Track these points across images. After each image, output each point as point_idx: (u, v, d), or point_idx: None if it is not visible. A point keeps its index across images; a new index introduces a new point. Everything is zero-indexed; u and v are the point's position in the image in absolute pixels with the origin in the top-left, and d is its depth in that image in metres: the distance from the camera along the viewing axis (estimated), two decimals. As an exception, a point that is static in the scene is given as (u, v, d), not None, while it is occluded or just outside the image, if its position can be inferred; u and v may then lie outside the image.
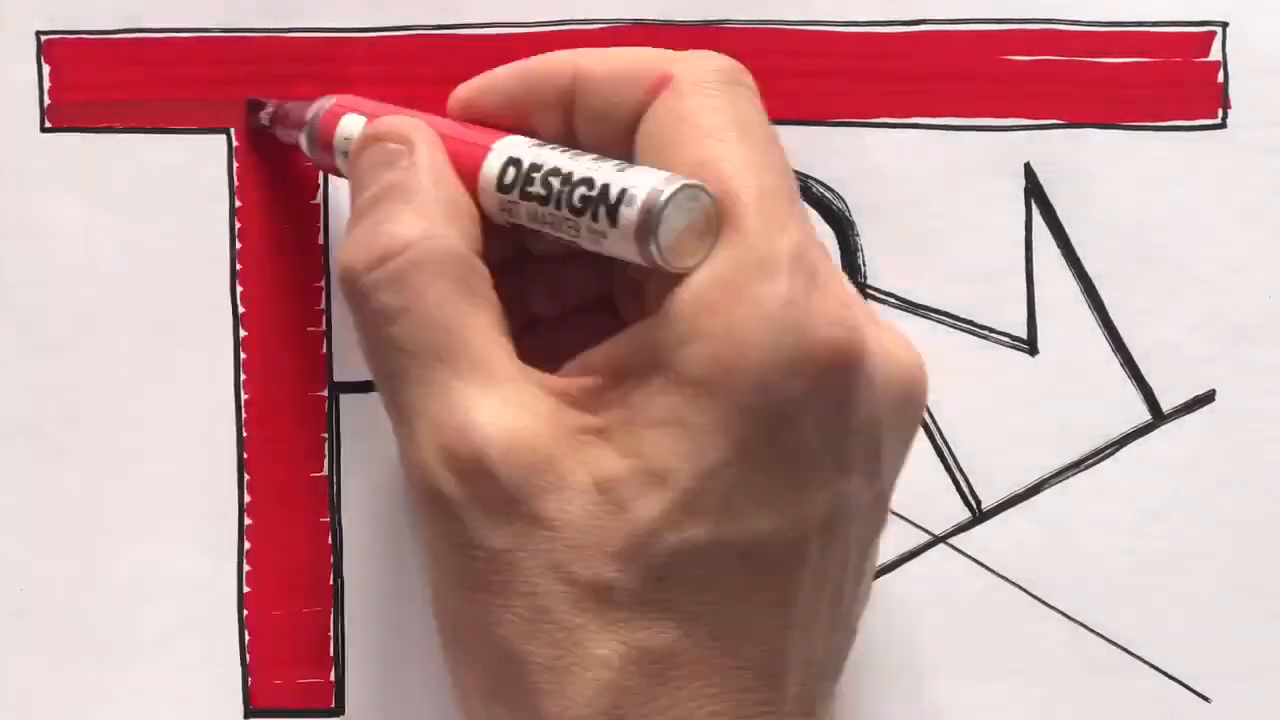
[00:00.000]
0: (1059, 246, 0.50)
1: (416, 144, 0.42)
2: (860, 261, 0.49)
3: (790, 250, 0.38)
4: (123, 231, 0.48)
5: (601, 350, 0.40)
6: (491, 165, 0.41)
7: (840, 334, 0.38)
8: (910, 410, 0.41)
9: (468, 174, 0.41)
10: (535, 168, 0.40)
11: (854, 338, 0.38)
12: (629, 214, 0.38)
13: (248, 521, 0.48)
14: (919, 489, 0.49)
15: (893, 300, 0.49)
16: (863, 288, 0.49)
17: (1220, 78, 0.50)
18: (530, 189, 0.40)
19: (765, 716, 0.39)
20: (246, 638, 0.48)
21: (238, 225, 0.49)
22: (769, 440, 0.38)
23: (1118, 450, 0.50)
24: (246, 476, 0.48)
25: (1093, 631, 0.50)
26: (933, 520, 0.49)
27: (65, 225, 0.48)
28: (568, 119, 0.42)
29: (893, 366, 0.40)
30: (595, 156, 0.40)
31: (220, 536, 0.48)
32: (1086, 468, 0.50)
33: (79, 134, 0.48)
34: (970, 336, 0.50)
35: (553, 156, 0.40)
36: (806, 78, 0.49)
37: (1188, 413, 0.50)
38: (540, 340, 0.43)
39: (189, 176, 0.48)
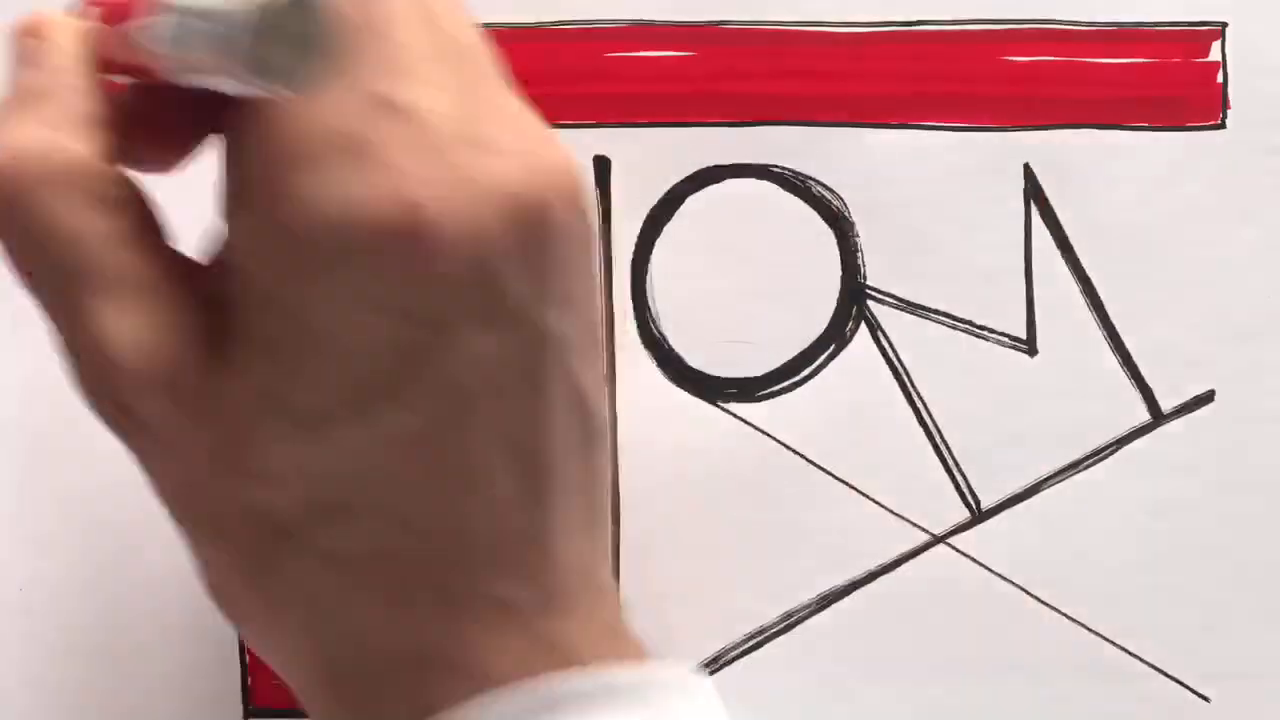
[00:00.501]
0: (1059, 246, 0.50)
1: (54, 39, 0.39)
2: (860, 261, 0.49)
3: (336, 120, 0.36)
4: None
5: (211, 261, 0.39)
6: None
7: (390, 210, 0.36)
8: (529, 226, 0.37)
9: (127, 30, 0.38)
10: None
11: (403, 210, 0.35)
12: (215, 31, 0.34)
13: (247, 521, 0.48)
14: (919, 489, 0.49)
15: (893, 300, 0.49)
16: (862, 288, 0.49)
17: (1220, 78, 0.50)
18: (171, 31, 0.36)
19: None
20: (246, 638, 0.49)
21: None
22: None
23: (1118, 450, 0.50)
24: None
25: (1093, 631, 0.50)
26: (933, 520, 0.49)
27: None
28: None
29: (478, 198, 0.36)
30: None
31: (220, 536, 0.48)
32: (1086, 468, 0.50)
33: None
34: (970, 336, 0.50)
35: None
36: (806, 78, 0.49)
37: (1188, 413, 0.50)
38: None
39: (189, 176, 0.48)
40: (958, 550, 0.50)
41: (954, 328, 0.50)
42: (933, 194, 0.49)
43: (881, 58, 0.49)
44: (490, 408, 0.37)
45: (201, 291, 0.38)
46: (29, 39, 0.39)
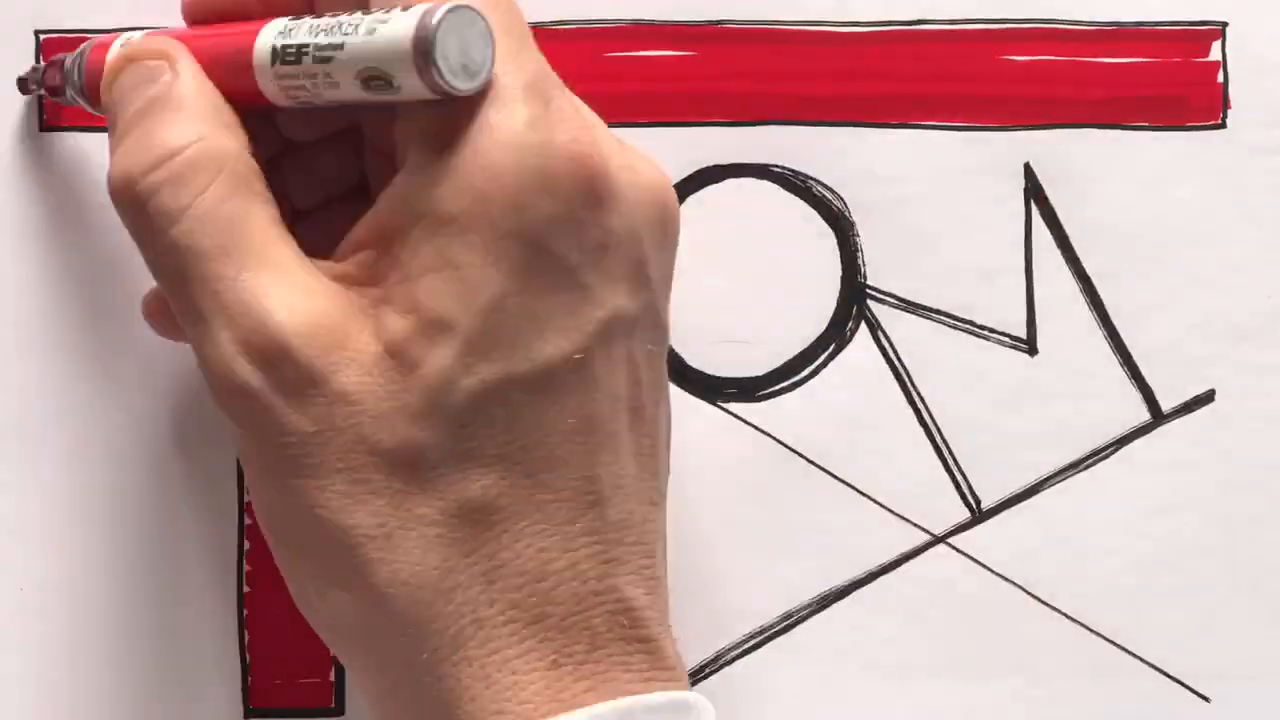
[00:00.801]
0: (1059, 246, 0.50)
1: (176, 57, 0.42)
2: (860, 261, 0.49)
3: (525, 80, 0.39)
4: (122, 231, 0.48)
5: (364, 222, 0.41)
6: (264, 40, 0.41)
7: (583, 148, 0.39)
8: (666, 223, 0.42)
9: (240, 66, 0.41)
10: (312, 26, 0.40)
11: (596, 150, 0.39)
12: (407, 26, 0.38)
13: (247, 522, 0.49)
14: (919, 489, 0.49)
15: (893, 300, 0.49)
16: (863, 288, 0.49)
17: (1220, 78, 0.50)
18: (315, 39, 0.39)
19: (591, 544, 0.40)
20: (246, 638, 0.49)
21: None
22: (536, 263, 0.39)
23: (1117, 450, 0.50)
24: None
25: (1093, 631, 0.50)
26: (933, 520, 0.49)
27: (65, 225, 0.48)
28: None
29: (641, 182, 0.41)
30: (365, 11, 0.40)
31: (220, 537, 0.48)
32: (1086, 468, 0.50)
33: (78, 133, 0.48)
34: (970, 336, 0.50)
35: (325, 21, 0.40)
36: (806, 78, 0.49)
37: (1187, 413, 0.50)
38: (304, 234, 0.43)
39: (189, 176, 0.48)
40: (958, 550, 0.50)
41: (954, 328, 0.50)
42: (933, 194, 0.49)
43: (881, 57, 0.49)
44: (624, 367, 0.41)
45: (328, 270, 0.41)
46: (147, 61, 0.42)
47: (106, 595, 0.48)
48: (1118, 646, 0.50)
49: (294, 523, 0.40)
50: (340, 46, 0.39)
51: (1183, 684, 0.50)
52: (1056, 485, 0.50)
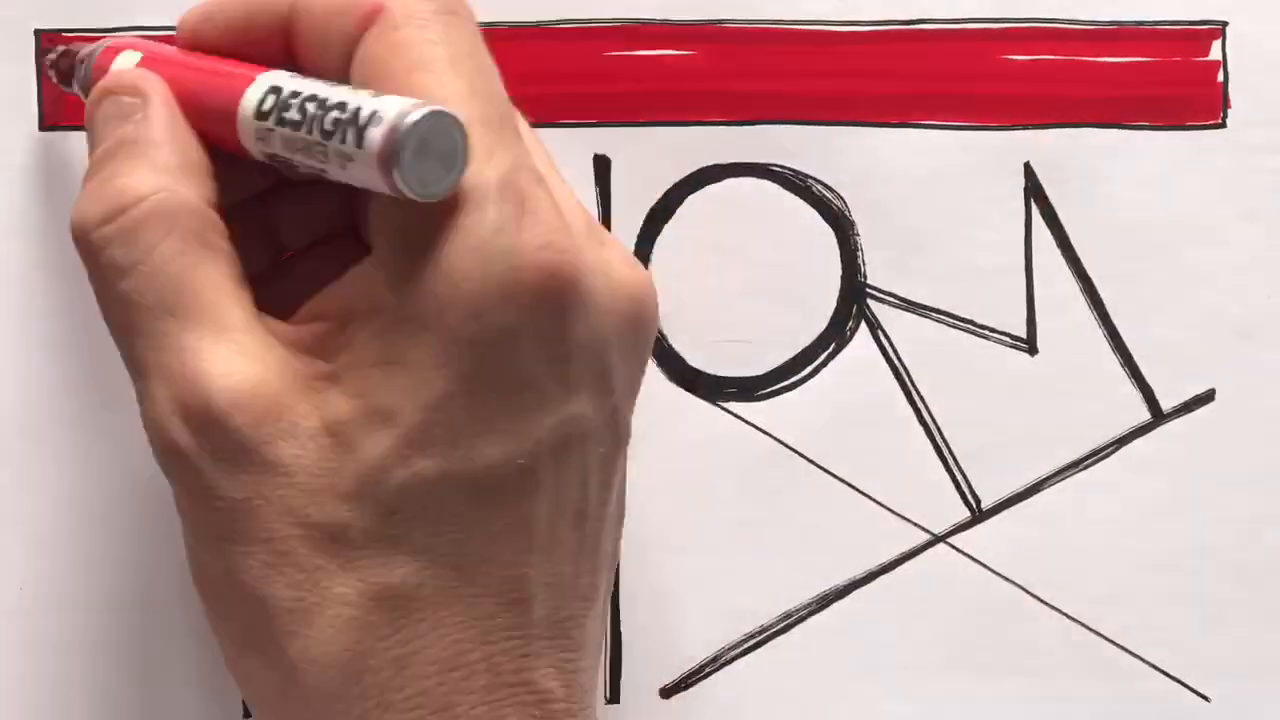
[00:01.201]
0: (1059, 246, 0.50)
1: (150, 96, 0.42)
2: (860, 261, 0.49)
3: (497, 178, 0.38)
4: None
5: (329, 294, 0.41)
6: (252, 94, 0.40)
7: (551, 256, 0.38)
8: (638, 327, 0.42)
9: (225, 106, 0.41)
10: (294, 94, 0.39)
11: (565, 259, 0.39)
12: (374, 135, 0.37)
13: (247, 521, 0.48)
14: (919, 488, 0.49)
15: (893, 300, 0.49)
16: (862, 287, 0.49)
17: (1220, 78, 0.50)
18: (286, 114, 0.39)
19: (511, 640, 0.40)
20: (246, 637, 0.49)
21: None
22: (489, 369, 0.38)
23: (1117, 450, 0.50)
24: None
25: (1093, 631, 0.50)
26: (933, 520, 0.50)
27: (65, 225, 0.48)
28: (289, 49, 0.42)
29: (615, 285, 0.40)
30: (353, 87, 0.39)
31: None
32: (1086, 467, 0.50)
33: (78, 132, 0.48)
34: (970, 336, 0.50)
35: (313, 85, 0.39)
36: (806, 78, 0.49)
37: (1188, 412, 0.50)
38: (291, 273, 0.43)
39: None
40: (958, 550, 0.50)
41: (954, 327, 0.50)
42: (933, 193, 0.49)
43: (882, 57, 0.49)
44: (574, 474, 0.40)
45: (281, 336, 0.41)
46: (123, 96, 0.42)
47: (106, 595, 0.48)
48: (1118, 646, 0.50)
49: (219, 584, 0.40)
50: (321, 145, 0.38)
51: (1183, 684, 0.50)
52: (1056, 485, 0.50)
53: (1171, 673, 0.50)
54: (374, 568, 0.39)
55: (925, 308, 0.50)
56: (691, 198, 0.49)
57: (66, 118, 0.48)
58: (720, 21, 0.49)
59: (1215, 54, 0.50)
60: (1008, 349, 0.50)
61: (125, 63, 0.44)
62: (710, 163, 0.49)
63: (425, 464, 0.39)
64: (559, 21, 0.49)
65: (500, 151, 0.39)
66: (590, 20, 0.49)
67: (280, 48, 0.42)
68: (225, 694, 0.48)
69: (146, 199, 0.40)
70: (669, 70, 0.49)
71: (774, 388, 0.49)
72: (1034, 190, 0.50)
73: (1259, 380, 0.50)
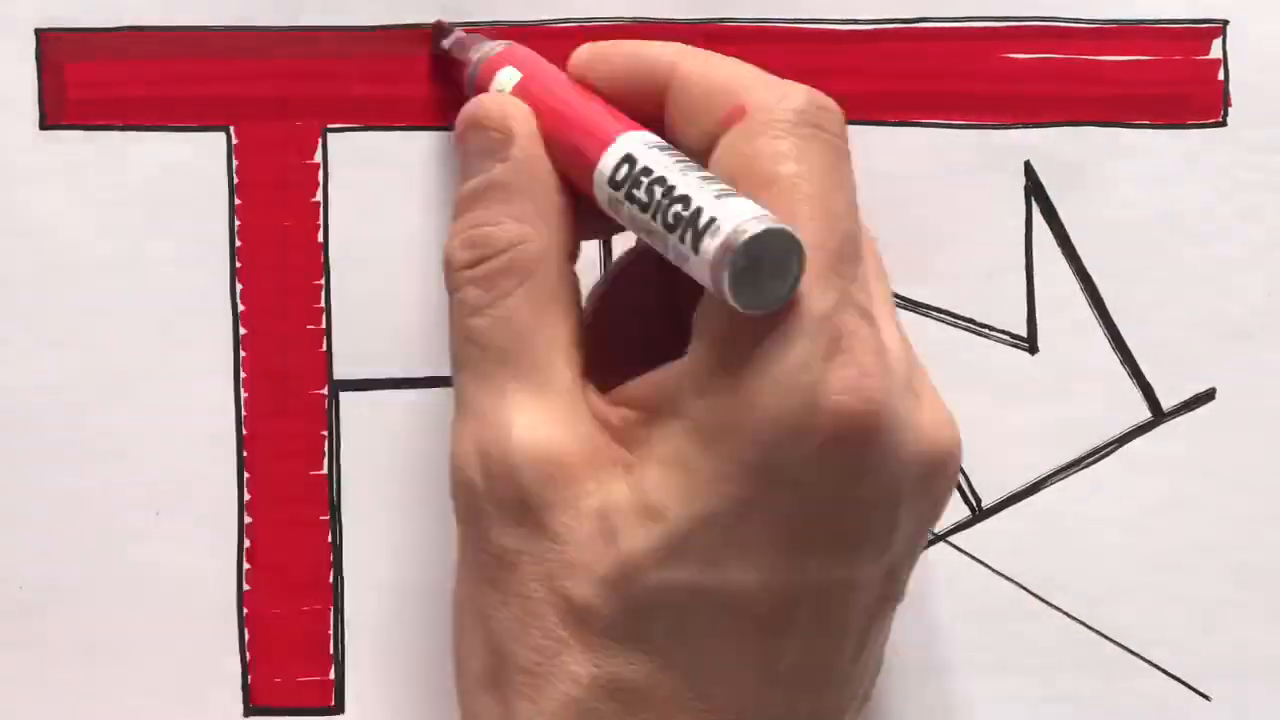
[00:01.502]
0: (1059, 245, 0.50)
1: (516, 136, 0.43)
2: (860, 260, 0.49)
3: (819, 311, 0.38)
4: (122, 230, 0.48)
5: (641, 383, 0.41)
6: (609, 159, 0.41)
7: (853, 403, 0.38)
8: (933, 491, 0.41)
9: (587, 159, 0.41)
10: (645, 171, 0.40)
11: (868, 409, 0.38)
12: (709, 246, 0.37)
13: (248, 520, 0.49)
14: (919, 488, 0.49)
15: (893, 300, 0.49)
16: (863, 286, 0.49)
17: (1221, 77, 0.50)
18: (635, 192, 0.40)
19: None
20: (246, 637, 0.49)
21: (237, 223, 0.48)
22: (767, 500, 0.38)
23: (1118, 449, 0.50)
24: (246, 475, 0.48)
25: (1093, 630, 0.50)
26: (933, 519, 0.50)
27: (65, 224, 0.48)
28: (660, 120, 0.42)
29: (919, 445, 0.40)
30: (705, 174, 0.39)
31: (220, 535, 0.49)
32: (1086, 466, 0.50)
33: (78, 132, 0.48)
34: (970, 335, 0.50)
35: (664, 164, 0.39)
36: (807, 78, 0.49)
37: (1188, 411, 0.50)
38: (621, 338, 0.44)
39: (189, 175, 0.48)
40: (958, 549, 0.50)
41: (954, 326, 0.50)
42: (933, 192, 0.49)
43: (882, 56, 0.49)
44: (834, 626, 0.40)
45: (596, 411, 0.41)
46: (491, 131, 0.43)
47: (106, 595, 0.48)
48: (1118, 645, 0.50)
49: (472, 621, 0.41)
50: (663, 235, 0.39)
51: (1183, 682, 0.50)
52: (1057, 484, 0.50)
53: (1172, 672, 0.50)
54: (611, 657, 0.39)
55: (925, 307, 0.50)
56: (692, 197, 0.49)
57: (66, 117, 0.48)
58: (720, 21, 0.49)
59: (1215, 53, 0.50)
60: (1008, 348, 0.50)
61: (503, 82, 0.44)
62: (710, 162, 0.49)
63: (681, 572, 0.39)
64: (560, 21, 0.49)
65: (831, 283, 0.38)
66: (590, 20, 0.49)
67: (656, 107, 0.42)
68: (226, 693, 0.49)
69: (505, 251, 0.41)
70: (669, 69, 0.49)
71: (774, 387, 0.49)
72: (1034, 189, 0.50)
73: (1259, 379, 0.50)
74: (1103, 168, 0.50)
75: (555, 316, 0.41)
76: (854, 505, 0.39)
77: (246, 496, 0.49)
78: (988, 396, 0.50)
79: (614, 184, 0.40)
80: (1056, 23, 0.50)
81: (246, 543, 0.49)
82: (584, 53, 0.44)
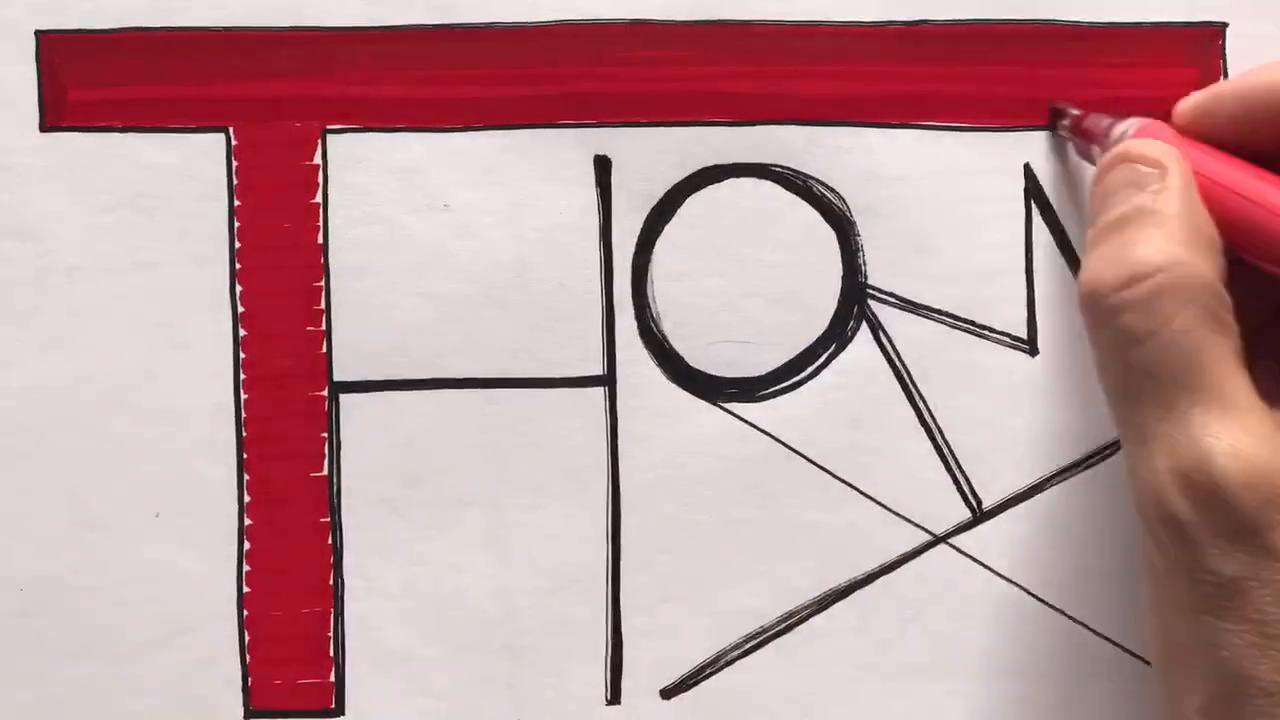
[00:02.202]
0: (1059, 246, 0.50)
1: (1169, 169, 0.42)
2: (860, 261, 0.49)
3: None
4: (123, 231, 0.48)
5: None
6: None
7: None
8: None
9: (1253, 228, 0.41)
10: None
11: None
12: None
13: (248, 521, 0.49)
14: (919, 489, 0.49)
15: (893, 300, 0.49)
16: (863, 288, 0.49)
17: (1220, 78, 0.50)
18: None
19: None
20: (246, 638, 0.49)
21: (237, 225, 0.49)
22: None
23: (1117, 449, 0.50)
24: (246, 476, 0.48)
25: (1093, 631, 0.50)
26: (933, 520, 0.49)
27: (65, 225, 0.48)
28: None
29: None
30: None
31: (220, 536, 0.49)
32: (1086, 468, 0.50)
33: (78, 133, 0.48)
34: (970, 336, 0.50)
35: None
36: (806, 78, 0.49)
37: (1188, 413, 0.50)
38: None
39: (189, 176, 0.49)
40: (959, 550, 0.50)
41: (954, 328, 0.50)
42: (933, 194, 0.49)
43: (882, 58, 0.49)
44: None
45: None
46: (1140, 165, 0.43)
47: (106, 595, 0.48)
48: (1118, 646, 0.50)
49: (1189, 653, 0.41)
50: None
51: (1183, 684, 0.50)
52: (1057, 485, 0.50)
53: (1172, 673, 0.50)
54: None
55: (926, 308, 0.50)
56: (692, 198, 0.49)
57: (66, 119, 0.48)
58: (720, 21, 0.49)
59: (1215, 55, 0.50)
60: (1008, 349, 0.50)
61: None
62: (711, 163, 0.49)
63: None
64: (560, 22, 0.49)
65: None
66: (590, 20, 0.49)
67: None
68: (226, 694, 0.49)
69: (1163, 270, 0.41)
70: (669, 70, 0.49)
71: (774, 388, 0.49)
72: (1034, 190, 0.50)
73: (1260, 380, 0.50)
74: (1103, 170, 0.50)
75: (1221, 335, 0.41)
76: None
77: (246, 498, 0.49)
78: (988, 398, 0.50)
79: None
80: (1056, 25, 0.50)
81: (246, 544, 0.49)
82: (1187, 106, 0.45)
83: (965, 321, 0.50)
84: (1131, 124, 0.45)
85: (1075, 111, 0.48)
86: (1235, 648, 0.40)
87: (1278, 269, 0.41)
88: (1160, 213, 0.42)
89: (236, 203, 0.49)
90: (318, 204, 0.49)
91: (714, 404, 0.49)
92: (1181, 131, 0.45)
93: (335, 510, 0.49)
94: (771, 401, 0.49)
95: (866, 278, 0.49)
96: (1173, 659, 0.42)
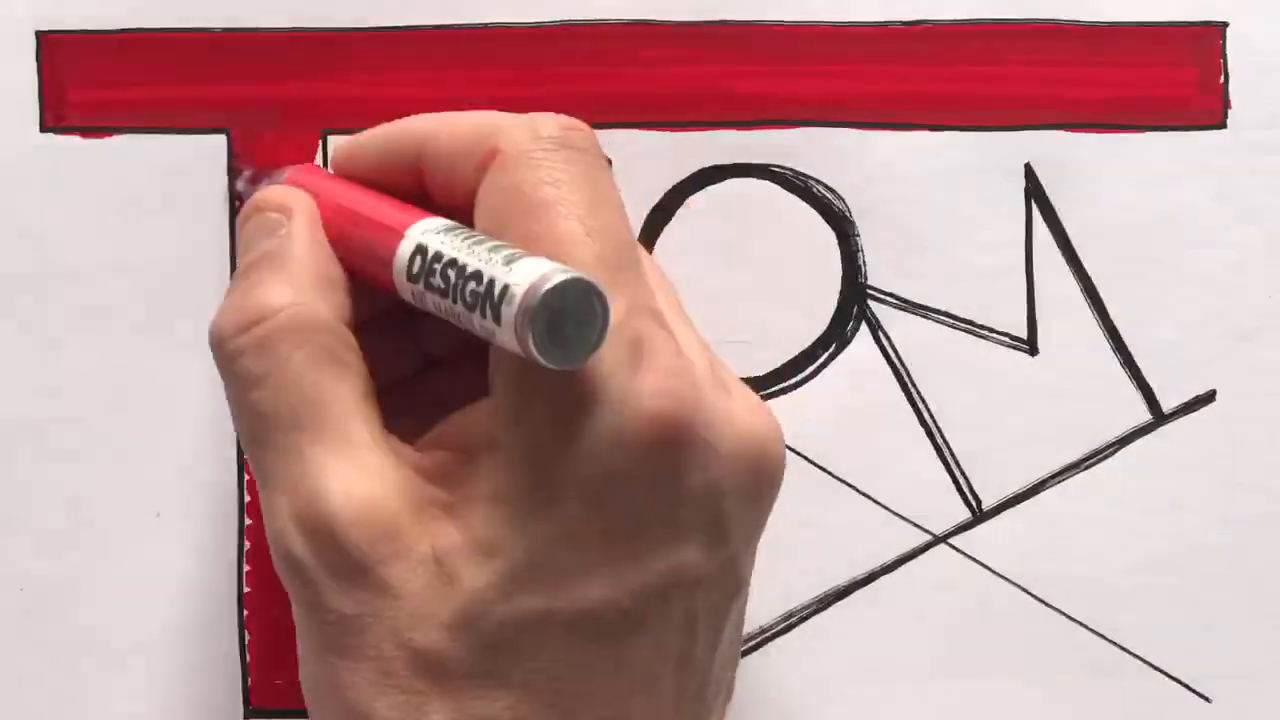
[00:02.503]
0: (1059, 246, 0.50)
1: (294, 213, 0.43)
2: (860, 261, 0.49)
3: (612, 323, 0.37)
4: (123, 231, 0.48)
5: (456, 421, 0.42)
6: (402, 253, 0.40)
7: (666, 404, 0.38)
8: (760, 477, 0.41)
9: (383, 260, 0.41)
10: (437, 257, 0.39)
11: (682, 406, 0.38)
12: (508, 314, 0.37)
13: (248, 521, 0.49)
14: (919, 489, 0.49)
15: (893, 300, 0.49)
16: (863, 288, 0.49)
17: (1220, 78, 0.50)
18: (433, 280, 0.39)
19: None
20: (246, 638, 0.49)
21: (237, 225, 0.49)
22: (597, 513, 0.38)
23: (1118, 450, 0.50)
24: (246, 476, 0.48)
25: (1093, 631, 0.50)
26: (933, 520, 0.49)
27: (65, 225, 0.48)
28: (423, 185, 0.43)
29: (737, 434, 0.40)
30: (494, 244, 0.39)
31: (220, 536, 0.49)
32: (1086, 468, 0.50)
33: (78, 134, 0.48)
34: (970, 336, 0.50)
35: (453, 245, 0.39)
36: (806, 78, 0.49)
37: (1188, 413, 0.50)
38: (426, 390, 0.44)
39: (189, 176, 0.49)
40: (958, 550, 0.50)
41: (954, 328, 0.50)
42: (933, 194, 0.49)
43: (881, 58, 0.49)
44: (680, 619, 0.40)
45: (405, 458, 0.41)
46: (269, 212, 0.43)
47: (106, 595, 0.48)
48: (1118, 646, 0.50)
49: (325, 694, 0.41)
50: (467, 315, 0.38)
51: (1184, 684, 0.50)
52: (1057, 485, 0.50)
53: (1172, 673, 0.50)
54: (472, 699, 0.39)
55: (926, 308, 0.50)
56: (692, 198, 0.49)
57: (66, 119, 0.48)
58: (720, 22, 0.49)
59: (1215, 54, 0.50)
60: (1008, 349, 0.50)
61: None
62: (711, 163, 0.49)
63: (526, 601, 0.39)
64: (559, 22, 0.49)
65: (618, 292, 0.38)
66: (590, 20, 0.49)
67: (416, 185, 0.43)
68: (226, 694, 0.49)
69: (280, 312, 0.41)
70: (670, 71, 0.49)
71: (774, 388, 0.49)
72: (1034, 191, 0.50)
73: (1259, 381, 0.50)
74: (1103, 170, 0.50)
75: (341, 374, 0.41)
76: (682, 503, 0.39)
77: (246, 497, 0.49)
78: (988, 398, 0.50)
79: (412, 278, 0.40)
80: (1056, 24, 0.50)
81: (246, 544, 0.49)
82: (342, 149, 0.45)
83: (965, 321, 0.50)
84: (284, 172, 0.45)
85: (248, 170, 0.48)
86: (357, 687, 0.39)
87: (390, 289, 0.41)
88: (282, 256, 0.42)
89: (236, 204, 0.48)
90: (318, 204, 0.49)
91: (714, 404, 0.49)
92: (339, 171, 0.45)
93: (335, 510, 0.49)
94: (771, 402, 0.49)
95: (866, 278, 0.49)
96: (311, 700, 0.41)
